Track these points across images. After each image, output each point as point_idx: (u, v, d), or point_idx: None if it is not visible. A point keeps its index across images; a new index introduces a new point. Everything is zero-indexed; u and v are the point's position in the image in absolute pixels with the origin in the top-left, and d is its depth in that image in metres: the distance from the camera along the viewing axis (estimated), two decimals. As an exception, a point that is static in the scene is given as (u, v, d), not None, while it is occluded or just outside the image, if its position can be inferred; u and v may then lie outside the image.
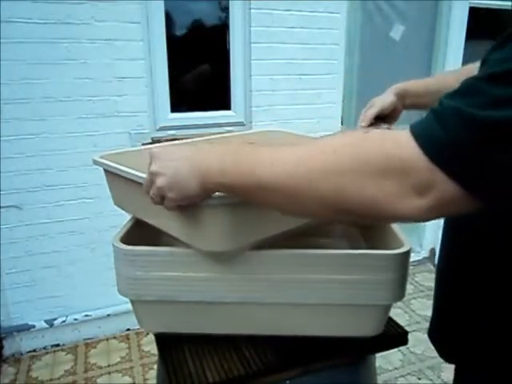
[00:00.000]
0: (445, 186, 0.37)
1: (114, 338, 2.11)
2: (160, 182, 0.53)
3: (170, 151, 0.54)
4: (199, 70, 2.17)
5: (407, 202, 0.40)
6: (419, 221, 0.42)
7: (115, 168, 0.73)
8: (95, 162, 0.78)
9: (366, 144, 0.42)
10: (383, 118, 0.90)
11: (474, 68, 0.85)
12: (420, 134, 0.39)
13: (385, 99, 0.88)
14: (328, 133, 0.72)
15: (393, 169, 0.39)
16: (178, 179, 0.52)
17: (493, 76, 0.37)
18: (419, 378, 1.85)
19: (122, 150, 0.96)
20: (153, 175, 0.54)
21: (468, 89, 0.38)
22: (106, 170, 0.78)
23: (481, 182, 0.36)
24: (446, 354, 0.68)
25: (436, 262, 0.69)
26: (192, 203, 0.55)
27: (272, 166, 0.46)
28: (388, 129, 0.93)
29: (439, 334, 0.70)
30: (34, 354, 1.99)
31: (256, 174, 0.47)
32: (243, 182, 0.48)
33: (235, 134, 0.97)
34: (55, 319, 2.01)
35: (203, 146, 0.54)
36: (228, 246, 0.63)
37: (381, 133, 0.43)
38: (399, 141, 0.40)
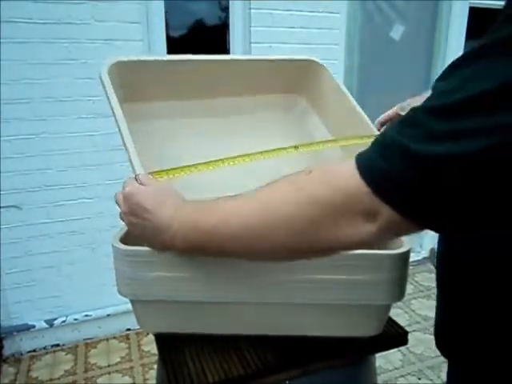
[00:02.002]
0: (388, 214, 0.39)
1: (114, 338, 2.11)
2: (128, 225, 0.60)
3: (139, 205, 0.56)
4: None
5: (360, 230, 0.42)
6: (374, 243, 0.45)
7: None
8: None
9: (311, 186, 0.43)
10: None
11: None
12: (362, 165, 0.40)
13: (413, 100, 0.88)
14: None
15: (340, 204, 0.41)
16: (143, 237, 0.58)
17: (432, 109, 0.37)
18: (419, 378, 1.85)
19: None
20: (123, 214, 0.59)
21: (410, 120, 0.39)
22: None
23: (419, 213, 0.38)
24: (446, 351, 0.68)
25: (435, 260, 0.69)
26: None
27: (227, 225, 0.48)
28: None
29: (441, 332, 0.70)
30: (33, 354, 1.99)
31: (215, 237, 0.49)
32: (205, 246, 0.52)
33: (262, 57, 0.96)
34: (55, 319, 2.01)
35: (170, 200, 0.56)
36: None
37: (324, 170, 0.45)
38: (344, 175, 0.41)
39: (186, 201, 0.57)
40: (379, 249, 0.70)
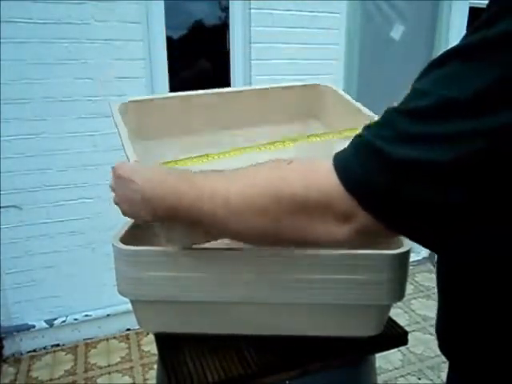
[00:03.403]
0: (363, 218, 0.39)
1: (114, 338, 2.11)
2: (115, 198, 0.58)
3: (129, 179, 0.56)
4: (199, 66, 2.17)
5: (333, 229, 0.42)
6: (350, 244, 0.44)
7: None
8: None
9: (290, 177, 0.43)
10: None
11: None
12: (339, 166, 0.40)
13: None
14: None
15: (315, 201, 0.41)
16: (130, 207, 0.57)
17: (406, 111, 0.37)
18: (419, 378, 1.85)
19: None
20: (111, 187, 0.59)
21: (385, 120, 0.39)
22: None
23: (391, 218, 0.38)
24: (447, 353, 0.68)
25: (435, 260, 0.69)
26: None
27: (209, 201, 0.48)
28: None
29: (442, 332, 0.70)
30: (33, 354, 1.99)
31: (195, 211, 0.49)
32: (186, 220, 0.52)
33: (274, 86, 0.96)
34: (55, 319, 2.01)
35: (159, 173, 0.57)
36: (187, 244, 0.66)
37: (304, 164, 0.44)
38: (320, 172, 0.41)
39: (169, 170, 0.58)
40: (379, 249, 0.70)
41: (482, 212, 0.35)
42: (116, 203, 0.59)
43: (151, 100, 0.93)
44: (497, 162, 0.33)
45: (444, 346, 0.67)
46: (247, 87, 0.89)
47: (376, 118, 0.89)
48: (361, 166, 0.38)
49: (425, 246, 0.40)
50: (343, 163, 0.40)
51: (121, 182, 0.57)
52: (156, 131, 0.87)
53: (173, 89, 2.03)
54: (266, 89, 0.96)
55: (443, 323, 0.68)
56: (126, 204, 0.57)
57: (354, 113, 0.92)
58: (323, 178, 0.41)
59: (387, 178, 0.36)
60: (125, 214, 0.59)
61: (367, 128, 0.40)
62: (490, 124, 0.32)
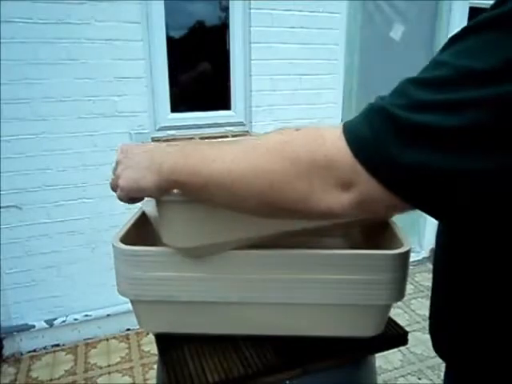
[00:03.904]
0: (367, 183, 0.38)
1: (114, 338, 2.11)
2: (119, 169, 0.56)
3: (137, 146, 0.58)
4: (200, 68, 2.17)
5: (331, 196, 0.41)
6: (344, 216, 0.43)
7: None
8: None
9: (296, 141, 0.43)
10: None
11: None
12: (349, 131, 0.39)
13: None
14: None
15: (318, 165, 0.40)
16: (135, 171, 0.55)
17: (423, 80, 0.37)
18: (419, 378, 1.85)
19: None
20: (116, 163, 0.58)
21: (399, 89, 0.38)
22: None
23: (400, 181, 0.37)
24: (441, 352, 0.68)
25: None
26: (144, 197, 0.59)
27: (213, 163, 0.47)
28: None
29: (435, 331, 0.70)
30: (34, 354, 1.99)
31: (200, 171, 0.48)
32: (190, 180, 0.50)
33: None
34: (55, 319, 2.01)
35: (162, 144, 0.58)
36: (185, 243, 0.64)
37: (312, 130, 0.44)
38: (329, 136, 0.41)
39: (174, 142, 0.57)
40: (379, 249, 0.70)
41: (491, 182, 0.35)
42: (115, 183, 0.58)
43: (173, 139, 0.94)
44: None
45: (438, 345, 0.67)
46: (249, 136, 0.87)
47: None
48: (371, 130, 0.37)
49: (430, 213, 0.39)
50: (353, 128, 0.39)
51: (126, 155, 0.56)
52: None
53: (173, 89, 2.03)
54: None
55: (437, 321, 0.68)
56: (127, 176, 0.55)
57: None
58: (329, 143, 0.40)
59: (398, 142, 0.35)
60: (126, 191, 0.57)
61: (380, 97, 0.40)
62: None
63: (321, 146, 0.41)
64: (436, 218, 0.40)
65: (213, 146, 0.51)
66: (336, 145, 0.39)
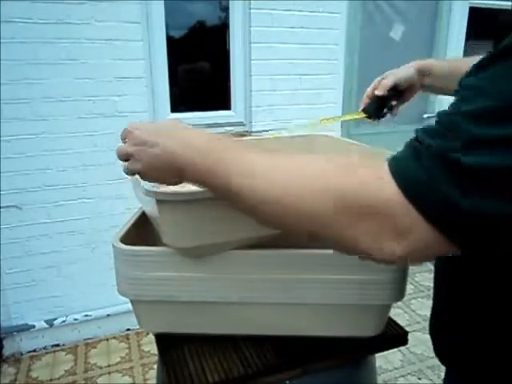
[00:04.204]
0: (423, 231, 0.35)
1: (114, 338, 2.11)
2: (133, 165, 0.51)
3: (149, 132, 0.50)
4: (197, 67, 2.17)
5: (384, 245, 0.38)
6: (389, 264, 0.41)
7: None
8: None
9: (347, 179, 0.39)
10: (397, 94, 0.86)
11: None
12: (399, 173, 0.37)
13: (405, 72, 0.83)
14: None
15: (370, 212, 0.37)
16: (152, 169, 0.50)
17: (470, 114, 0.34)
18: (419, 378, 1.85)
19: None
20: (127, 155, 0.52)
21: (447, 125, 0.36)
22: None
23: (461, 230, 0.35)
24: (441, 355, 0.68)
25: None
26: None
27: (254, 179, 0.42)
28: (396, 107, 0.89)
29: (435, 334, 0.70)
30: (34, 354, 1.99)
31: (235, 182, 0.43)
32: (222, 186, 0.45)
33: (279, 136, 0.96)
34: (55, 319, 2.01)
35: (185, 133, 0.49)
36: (185, 243, 0.64)
37: (363, 166, 0.40)
38: (376, 175, 0.38)
39: (196, 132, 0.50)
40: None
41: None
42: (132, 170, 0.52)
43: None
44: None
45: (439, 348, 0.67)
46: (248, 137, 0.87)
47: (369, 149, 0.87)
48: (426, 173, 0.34)
49: (478, 253, 0.38)
50: (404, 170, 0.36)
51: (141, 146, 0.50)
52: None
53: (173, 89, 2.03)
54: (269, 138, 0.97)
55: (438, 324, 0.67)
56: (149, 168, 0.50)
57: (353, 151, 0.92)
58: (379, 183, 0.37)
59: (458, 189, 0.33)
60: (147, 178, 0.52)
61: (426, 132, 0.37)
62: None
63: (370, 183, 0.38)
64: (467, 252, 0.38)
65: (257, 158, 0.44)
66: (385, 185, 0.36)
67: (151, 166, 0.49)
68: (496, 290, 0.55)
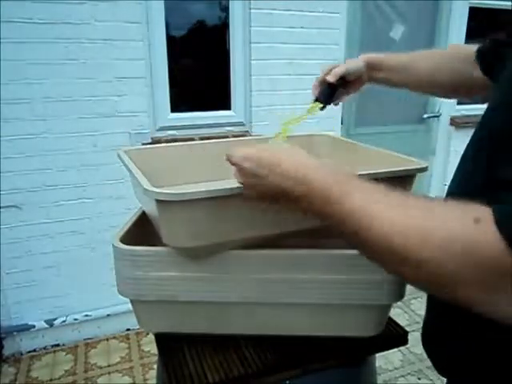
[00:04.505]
0: None
1: (114, 338, 2.11)
2: (248, 194, 0.55)
3: (258, 165, 0.51)
4: (196, 66, 2.16)
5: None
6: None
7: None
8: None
9: (480, 244, 0.36)
10: (347, 84, 0.88)
11: (454, 51, 0.84)
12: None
13: (353, 64, 0.85)
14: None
15: (502, 273, 0.36)
16: (266, 198, 0.53)
17: None
18: (419, 378, 1.85)
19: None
20: (241, 184, 0.55)
21: None
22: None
23: None
24: (439, 367, 0.68)
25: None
26: None
27: (370, 231, 0.42)
28: (342, 97, 0.91)
29: (431, 345, 0.69)
30: (34, 354, 1.99)
31: (359, 233, 0.43)
32: (336, 224, 0.46)
33: (277, 136, 0.97)
34: (55, 319, 2.01)
35: (292, 164, 0.50)
36: (185, 243, 0.64)
37: (480, 228, 0.37)
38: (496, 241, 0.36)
39: (314, 164, 0.50)
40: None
41: None
42: (248, 197, 0.55)
43: (153, 148, 0.95)
44: None
45: (438, 359, 0.66)
46: (249, 137, 0.87)
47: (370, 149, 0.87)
48: None
49: None
50: None
51: (252, 179, 0.52)
52: (157, 180, 0.87)
53: (173, 89, 2.03)
54: (269, 138, 0.97)
55: (438, 335, 0.66)
56: (262, 197, 0.53)
57: (353, 151, 0.91)
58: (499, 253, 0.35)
59: None
60: (264, 203, 0.55)
61: None
62: None
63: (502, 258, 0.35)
64: None
65: (384, 206, 0.42)
66: (499, 250, 0.35)
67: (264, 195, 0.53)
68: None
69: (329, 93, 0.87)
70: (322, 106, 0.87)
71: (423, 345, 0.69)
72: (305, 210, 0.49)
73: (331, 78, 0.85)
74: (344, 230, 0.45)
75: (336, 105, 0.93)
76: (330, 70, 0.86)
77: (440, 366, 0.65)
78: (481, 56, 0.75)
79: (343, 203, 0.43)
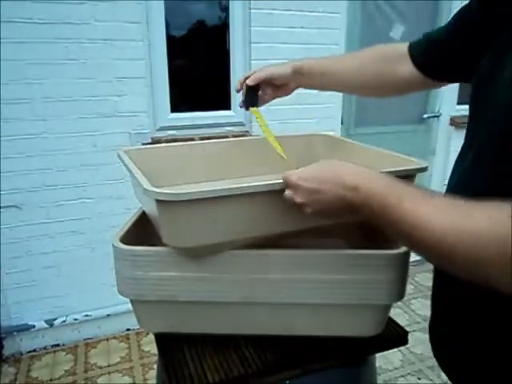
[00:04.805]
0: None
1: (114, 338, 2.11)
2: (307, 211, 0.57)
3: (317, 181, 0.55)
4: (196, 66, 2.16)
5: None
6: None
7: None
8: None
9: None
10: (276, 87, 0.90)
11: (379, 51, 0.86)
12: None
13: (279, 69, 0.87)
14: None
15: None
16: (324, 211, 0.56)
17: None
18: (419, 378, 1.85)
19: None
20: (299, 205, 0.57)
21: None
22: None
23: None
24: (442, 362, 0.68)
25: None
26: None
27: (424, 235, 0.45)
28: (267, 99, 0.93)
29: (436, 341, 0.69)
30: (34, 354, 1.99)
31: (411, 235, 0.47)
32: (394, 230, 0.51)
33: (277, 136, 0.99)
34: (55, 319, 2.01)
35: (346, 175, 0.54)
36: (185, 243, 0.64)
37: None
38: None
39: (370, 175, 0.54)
40: (379, 249, 0.70)
41: None
42: (314, 212, 0.58)
43: (153, 148, 0.96)
44: None
45: (441, 358, 0.66)
46: (248, 137, 0.89)
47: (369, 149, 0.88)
48: None
49: None
50: None
51: (314, 195, 0.55)
52: (157, 180, 0.87)
53: (173, 89, 2.03)
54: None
55: (441, 334, 0.66)
56: (320, 211, 0.57)
57: (353, 151, 0.92)
58: None
59: None
60: (319, 216, 0.58)
61: None
62: None
63: None
64: None
65: (428, 211, 0.46)
66: None
67: (329, 209, 0.56)
68: (497, 301, 0.55)
69: (251, 94, 0.90)
70: (243, 106, 0.91)
71: (430, 342, 0.69)
72: (367, 217, 0.53)
73: (250, 82, 0.89)
74: (400, 233, 0.50)
75: (259, 106, 0.95)
76: (253, 73, 0.89)
77: (443, 365, 0.66)
78: (415, 51, 0.78)
79: (397, 208, 0.48)
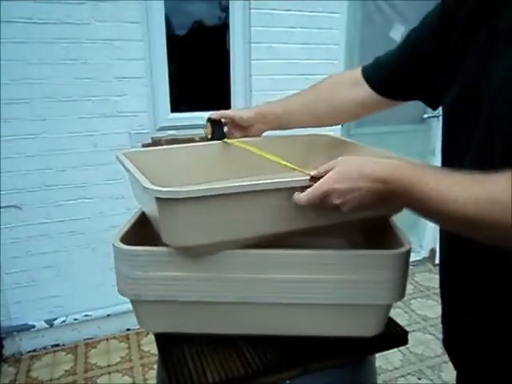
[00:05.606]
0: None
1: (114, 338, 2.11)
2: (353, 207, 0.60)
3: (349, 180, 0.58)
4: (181, 65, 2.15)
5: None
6: None
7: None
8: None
9: None
10: (242, 128, 0.93)
11: (333, 79, 0.91)
12: None
13: (243, 112, 0.92)
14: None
15: None
16: (359, 206, 0.59)
17: None
18: (419, 378, 1.85)
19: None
20: (335, 206, 0.60)
21: None
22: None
23: None
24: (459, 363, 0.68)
25: (437, 261, 0.69)
26: None
27: (454, 203, 0.50)
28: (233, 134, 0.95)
29: (451, 342, 0.69)
30: (33, 354, 1.99)
31: (440, 211, 0.52)
32: (425, 212, 0.56)
33: (278, 136, 0.99)
34: (55, 319, 2.01)
35: (372, 170, 0.58)
36: (185, 242, 0.64)
37: None
38: None
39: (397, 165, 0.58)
40: (379, 248, 0.70)
41: None
42: (353, 209, 0.60)
43: (152, 151, 0.96)
44: None
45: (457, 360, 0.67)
46: (249, 138, 0.90)
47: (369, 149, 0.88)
48: None
49: None
50: None
51: (348, 195, 0.58)
52: (157, 181, 0.87)
53: (173, 89, 2.03)
54: (270, 138, 0.97)
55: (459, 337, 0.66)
56: (355, 208, 0.59)
57: (353, 151, 0.92)
58: None
59: None
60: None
61: None
62: None
63: None
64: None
65: (451, 188, 0.51)
66: None
67: (365, 203, 0.59)
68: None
69: (217, 129, 0.95)
70: (210, 137, 0.96)
71: (444, 346, 0.70)
72: (396, 203, 0.61)
73: (212, 115, 0.94)
74: (429, 211, 0.55)
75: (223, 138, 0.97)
76: (221, 111, 0.94)
77: (461, 360, 0.66)
78: (369, 75, 0.82)
79: (424, 188, 0.53)
